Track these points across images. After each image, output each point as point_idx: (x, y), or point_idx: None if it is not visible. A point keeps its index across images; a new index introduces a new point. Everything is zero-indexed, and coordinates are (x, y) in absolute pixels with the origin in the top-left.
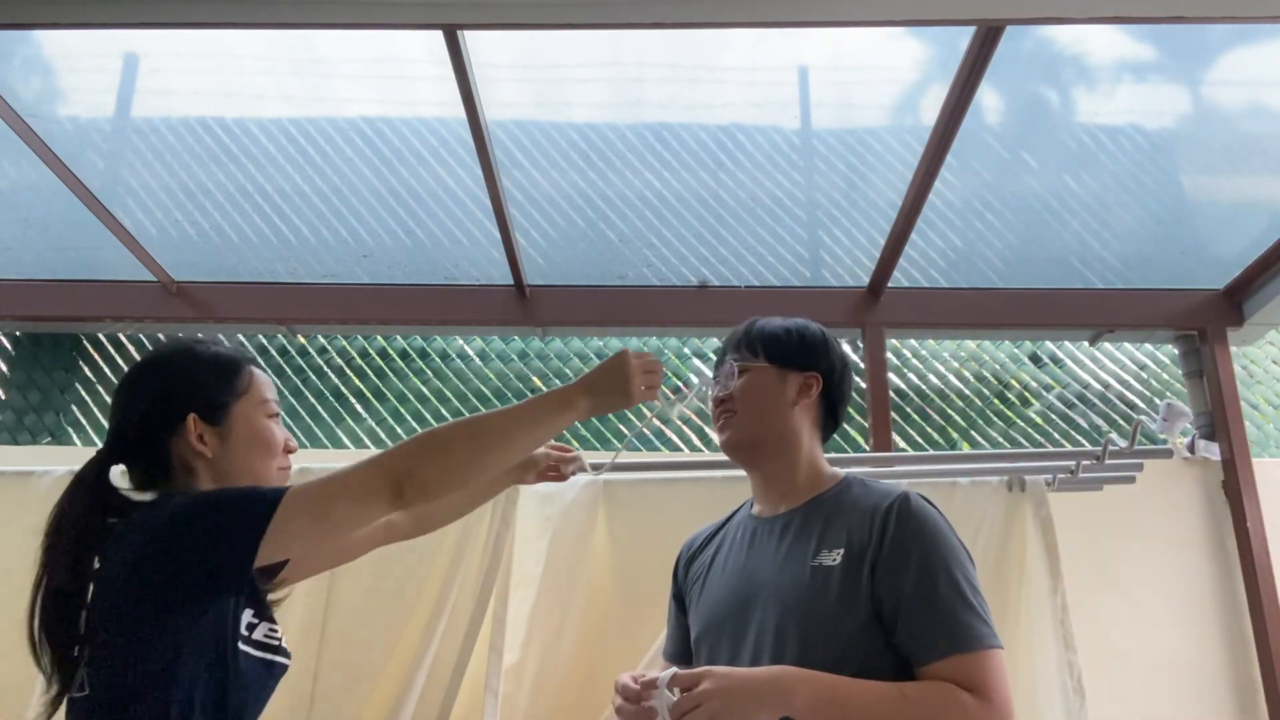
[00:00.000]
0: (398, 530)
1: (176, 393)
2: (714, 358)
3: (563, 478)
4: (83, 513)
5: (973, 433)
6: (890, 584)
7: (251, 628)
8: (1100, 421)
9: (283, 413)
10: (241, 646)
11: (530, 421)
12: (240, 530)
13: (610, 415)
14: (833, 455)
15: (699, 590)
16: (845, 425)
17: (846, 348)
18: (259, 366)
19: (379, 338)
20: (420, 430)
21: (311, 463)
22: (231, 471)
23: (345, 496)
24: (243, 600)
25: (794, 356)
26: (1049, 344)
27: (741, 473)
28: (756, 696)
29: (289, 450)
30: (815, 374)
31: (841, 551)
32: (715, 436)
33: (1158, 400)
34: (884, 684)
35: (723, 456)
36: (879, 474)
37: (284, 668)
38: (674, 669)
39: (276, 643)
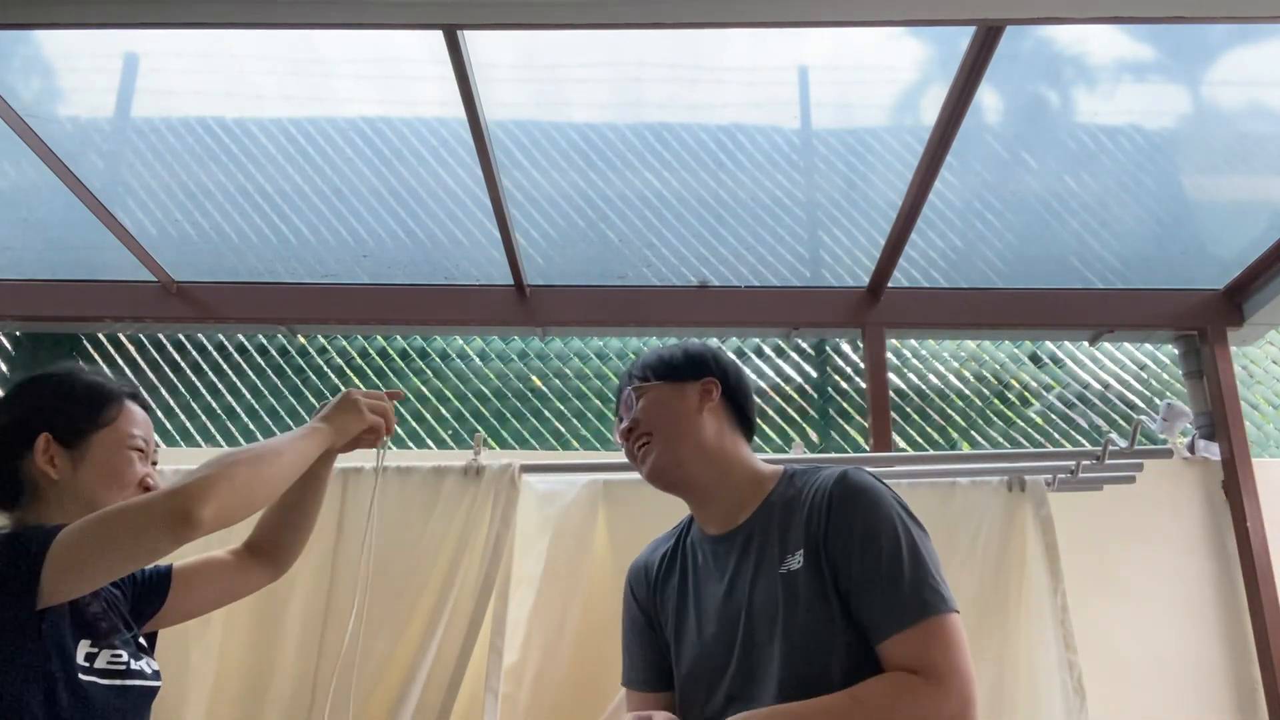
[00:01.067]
0: (254, 576)
1: (36, 413)
2: None
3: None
4: None
5: (973, 433)
6: (843, 568)
7: (91, 657)
8: (1100, 421)
9: (155, 454)
10: (83, 677)
11: (290, 446)
12: (16, 572)
13: (609, 415)
14: (832, 455)
15: (676, 622)
16: (845, 425)
17: (846, 347)
18: (143, 404)
19: (379, 338)
20: (419, 429)
21: None
22: (78, 498)
23: (124, 528)
24: (71, 633)
25: (683, 369)
26: (1049, 344)
27: None
28: None
29: (146, 487)
30: (711, 379)
31: (802, 551)
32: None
33: (1158, 400)
34: (832, 695)
35: None
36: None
37: (146, 690)
38: None
39: (123, 667)
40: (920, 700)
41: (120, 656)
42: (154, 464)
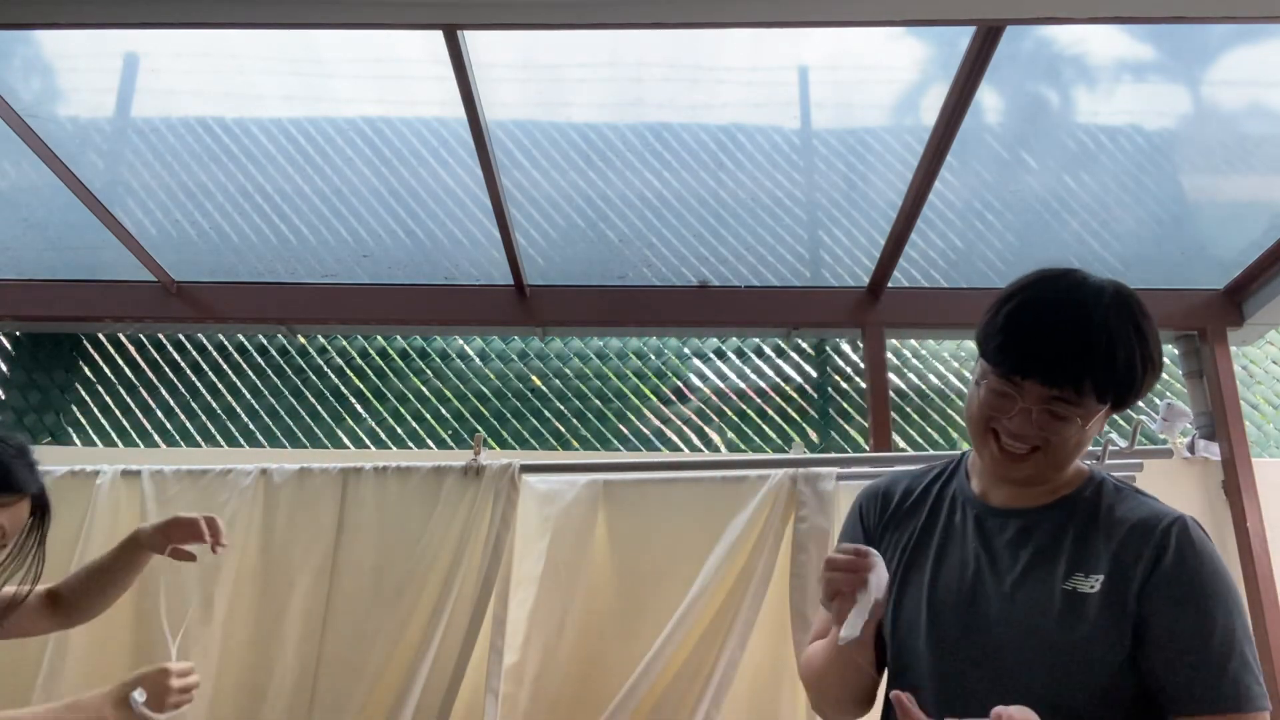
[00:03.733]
0: (45, 622)
1: None
2: (713, 358)
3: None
4: None
5: None
6: (1161, 617)
7: None
8: None
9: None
10: None
11: None
12: None
13: (609, 415)
14: (832, 455)
15: (905, 567)
16: (845, 425)
17: (846, 347)
18: (35, 500)
19: (379, 338)
20: (419, 429)
21: (312, 463)
22: None
23: None
24: None
25: (1131, 397)
26: None
27: (742, 473)
28: None
29: None
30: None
31: (1102, 578)
32: (1000, 462)
33: (1158, 400)
34: None
35: (723, 456)
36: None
37: None
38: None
39: None
40: None
41: None
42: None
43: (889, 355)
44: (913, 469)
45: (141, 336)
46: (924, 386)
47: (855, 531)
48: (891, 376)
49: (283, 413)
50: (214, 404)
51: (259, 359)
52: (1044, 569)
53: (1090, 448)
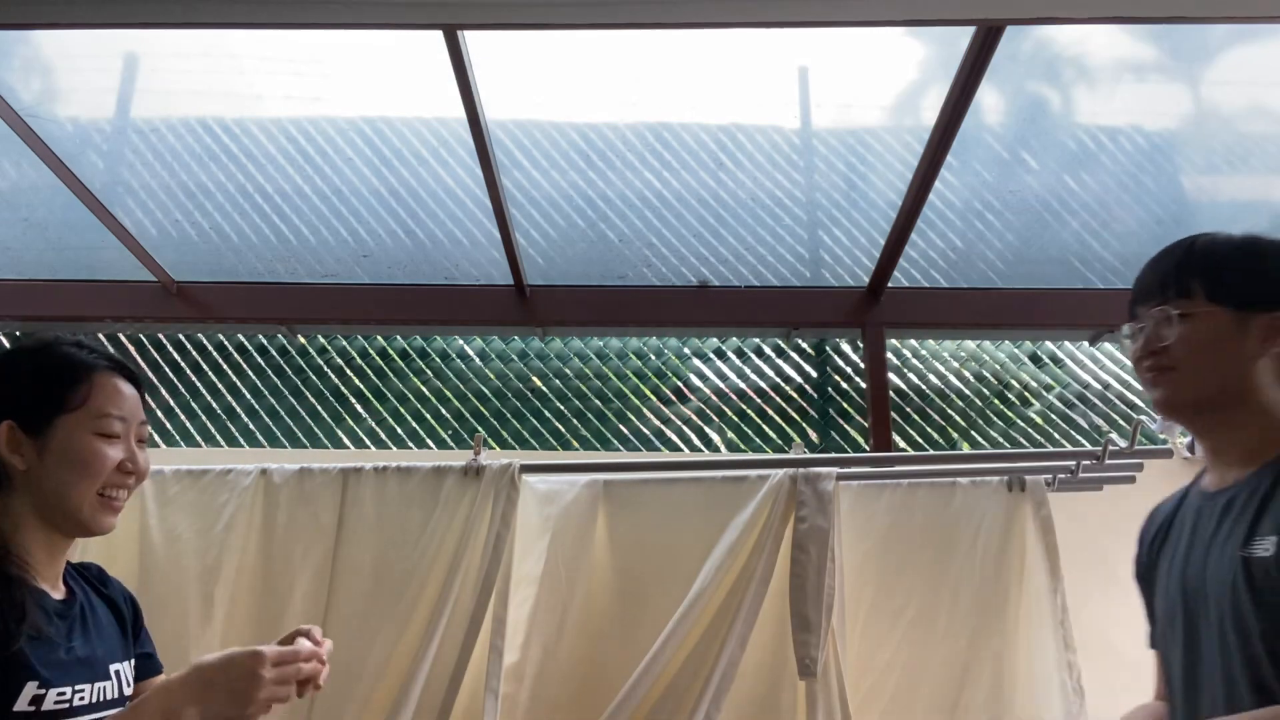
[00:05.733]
0: None
1: (2, 396)
2: (713, 358)
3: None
4: None
5: (973, 433)
6: None
7: (39, 700)
8: (1100, 421)
9: (149, 430)
10: None
11: None
12: None
13: (609, 415)
14: (832, 455)
15: (1155, 578)
16: (845, 425)
17: (846, 347)
18: (122, 373)
19: (379, 338)
20: (419, 429)
21: (312, 463)
22: (45, 489)
23: None
24: (12, 679)
25: (1256, 292)
26: (1049, 344)
27: (742, 473)
28: None
29: (127, 472)
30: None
31: (1275, 539)
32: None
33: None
34: None
35: (723, 456)
36: (879, 474)
37: None
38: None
39: (65, 705)
40: None
41: (65, 694)
42: (140, 442)
43: (889, 355)
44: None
45: (141, 336)
46: (924, 386)
47: (1138, 556)
48: (891, 376)
49: (283, 413)
50: (214, 404)
51: (259, 359)
52: (1232, 540)
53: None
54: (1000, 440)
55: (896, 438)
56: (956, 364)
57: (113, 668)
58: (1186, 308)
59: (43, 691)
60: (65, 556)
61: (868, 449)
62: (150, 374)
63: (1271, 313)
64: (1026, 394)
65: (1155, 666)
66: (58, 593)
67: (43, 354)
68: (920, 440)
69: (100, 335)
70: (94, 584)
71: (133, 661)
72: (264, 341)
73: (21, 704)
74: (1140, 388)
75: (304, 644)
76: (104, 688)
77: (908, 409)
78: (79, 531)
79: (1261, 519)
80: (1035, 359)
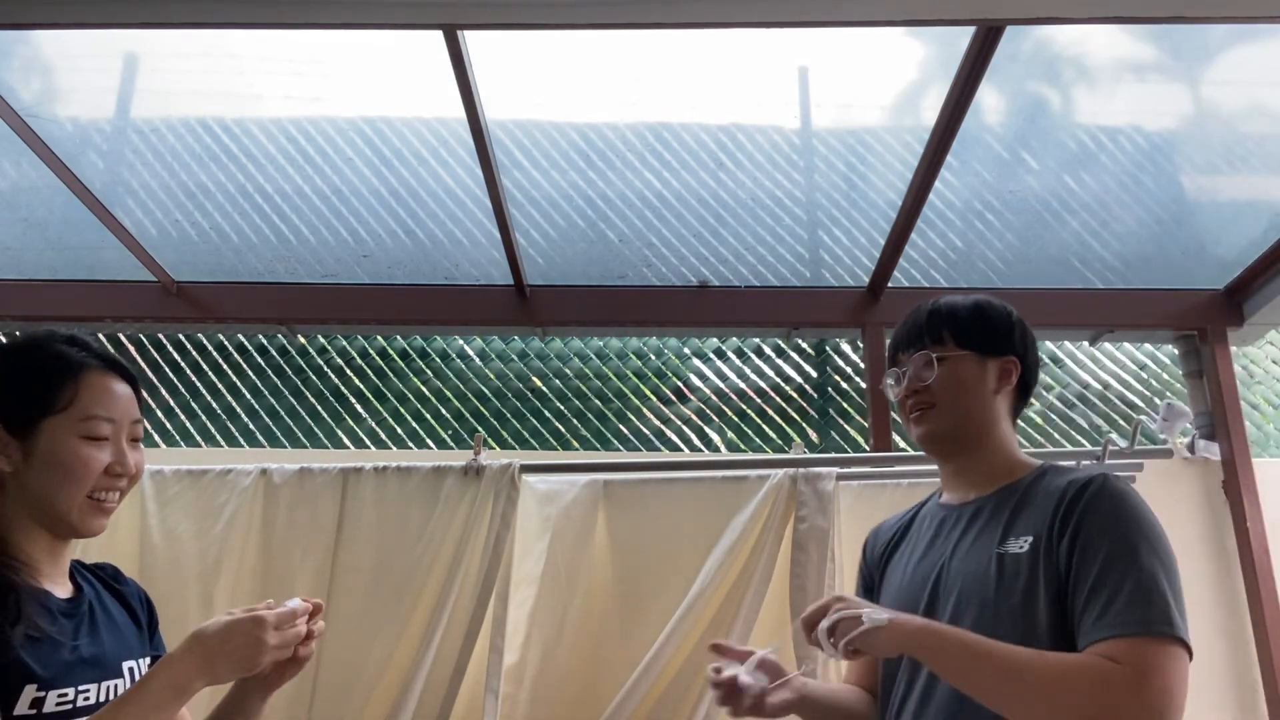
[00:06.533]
0: None
1: None
2: (713, 358)
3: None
4: None
5: None
6: (1072, 560)
7: (39, 702)
8: (1100, 421)
9: (145, 426)
10: None
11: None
12: None
13: (609, 415)
14: (832, 455)
15: (884, 579)
16: (845, 425)
17: (846, 347)
18: (115, 371)
19: (379, 338)
20: (419, 429)
21: (312, 463)
22: (32, 492)
23: None
24: (9, 683)
25: (991, 341)
26: (1049, 344)
27: (742, 473)
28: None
29: (116, 474)
30: (1013, 358)
31: (1030, 539)
32: (909, 429)
33: (1158, 400)
34: (1019, 648)
35: (723, 456)
36: (879, 474)
37: None
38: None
39: (69, 706)
40: (1111, 686)
41: (67, 694)
42: (136, 439)
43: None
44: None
45: (141, 336)
46: None
47: (863, 571)
48: None
49: (283, 413)
50: (214, 404)
51: (259, 359)
52: (984, 540)
53: (1090, 448)
54: None
55: (896, 438)
56: None
57: (126, 665)
58: (942, 351)
59: (43, 694)
60: (68, 554)
61: (868, 449)
62: (150, 374)
63: (1004, 357)
64: None
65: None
66: (63, 591)
67: (31, 353)
68: None
69: (100, 335)
70: (107, 582)
71: (149, 659)
72: (264, 341)
73: (21, 708)
74: (1140, 388)
75: (296, 602)
76: (114, 685)
77: None
78: (70, 533)
79: (1014, 524)
80: None
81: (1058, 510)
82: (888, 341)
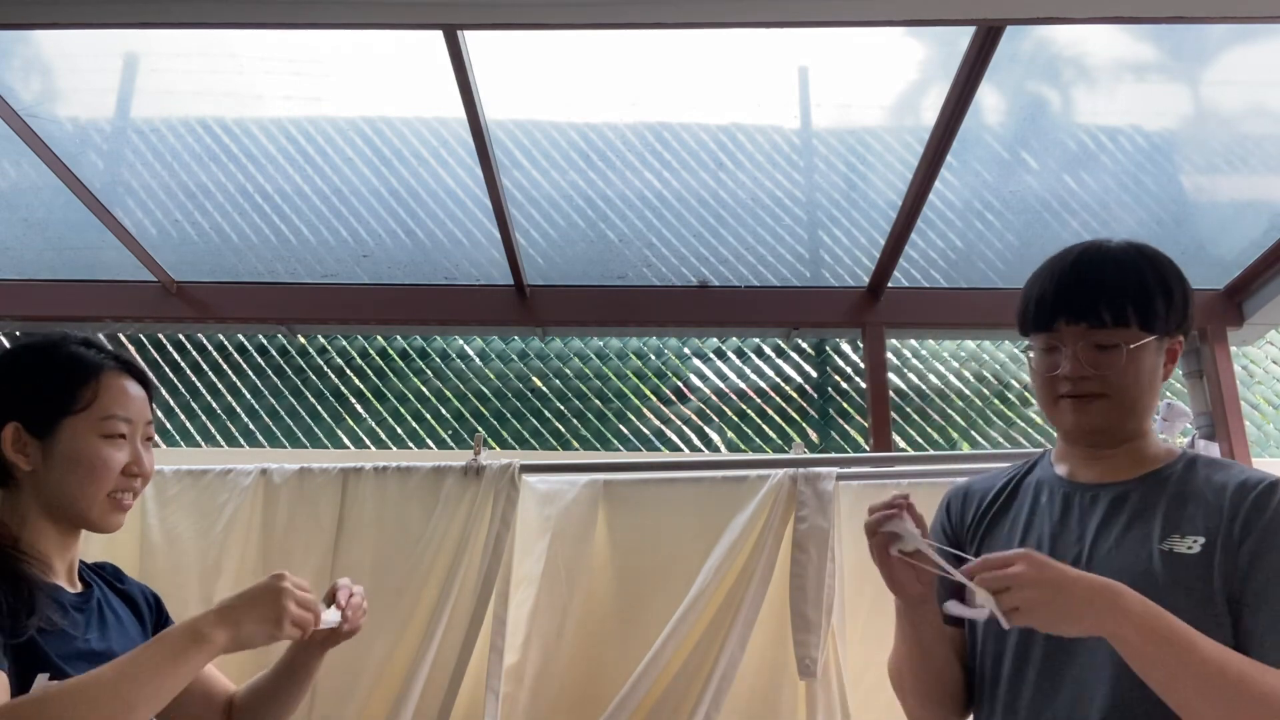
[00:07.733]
0: None
1: (3, 398)
2: (713, 358)
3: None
4: None
5: (973, 433)
6: (1249, 570)
7: None
8: None
9: (154, 433)
10: None
11: (152, 670)
12: None
13: (609, 415)
14: (832, 455)
15: (986, 547)
16: (845, 425)
17: (846, 347)
18: (131, 373)
19: (379, 338)
20: (419, 429)
21: (312, 463)
22: (51, 491)
23: None
24: (23, 672)
25: (1171, 319)
26: None
27: (742, 473)
28: (1078, 601)
29: (133, 474)
30: (1182, 337)
31: (1201, 540)
32: (1058, 415)
33: (1158, 400)
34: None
35: (722, 456)
36: (879, 474)
37: None
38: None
39: None
40: None
41: None
42: (149, 439)
43: (889, 355)
44: (997, 468)
45: (141, 336)
46: (924, 386)
47: (940, 533)
48: (891, 376)
49: (283, 413)
50: (214, 404)
51: (259, 359)
52: (1138, 533)
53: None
54: (1000, 440)
55: (896, 438)
56: (956, 364)
57: None
58: (1126, 337)
59: (55, 683)
60: (77, 552)
61: (868, 449)
62: (150, 374)
63: (1176, 338)
64: (1027, 394)
65: (909, 625)
66: (74, 587)
67: (49, 353)
68: (920, 440)
69: (100, 335)
70: (110, 581)
71: None
72: (264, 341)
73: None
74: None
75: (335, 616)
76: None
77: (908, 409)
78: (91, 529)
79: (1178, 520)
80: None
81: (1235, 514)
82: (887, 341)
